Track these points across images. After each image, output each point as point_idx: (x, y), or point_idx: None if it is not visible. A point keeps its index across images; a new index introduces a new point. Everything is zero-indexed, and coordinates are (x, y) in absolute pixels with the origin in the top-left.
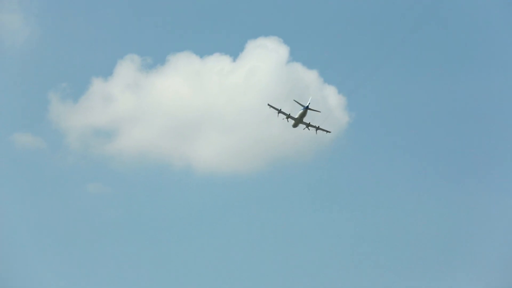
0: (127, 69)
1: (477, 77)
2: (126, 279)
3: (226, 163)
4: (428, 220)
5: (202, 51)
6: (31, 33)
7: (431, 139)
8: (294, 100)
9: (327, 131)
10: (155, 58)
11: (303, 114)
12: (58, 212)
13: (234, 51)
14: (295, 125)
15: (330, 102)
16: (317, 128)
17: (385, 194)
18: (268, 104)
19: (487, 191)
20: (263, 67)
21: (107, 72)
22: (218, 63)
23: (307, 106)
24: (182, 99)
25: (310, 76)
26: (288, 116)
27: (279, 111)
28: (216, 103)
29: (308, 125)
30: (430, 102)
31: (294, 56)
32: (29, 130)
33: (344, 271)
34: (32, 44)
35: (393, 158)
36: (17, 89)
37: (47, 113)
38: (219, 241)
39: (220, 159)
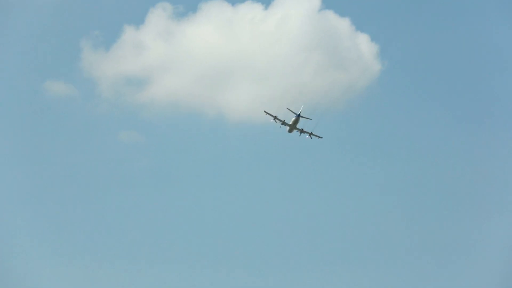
0: (158, 17)
1: None
2: (157, 226)
3: (258, 112)
4: (462, 169)
5: None
6: None
7: (464, 87)
8: (287, 108)
9: (319, 137)
10: (186, 6)
11: (295, 121)
12: (90, 160)
13: None
14: (290, 131)
15: (362, 50)
16: (310, 134)
17: (417, 143)
18: (264, 111)
19: None
20: (295, 15)
21: (139, 20)
22: (250, 11)
23: (299, 114)
24: (214, 47)
25: (342, 24)
26: (283, 123)
27: (275, 118)
28: (248, 51)
29: (301, 131)
30: (463, 50)
31: (326, 4)
32: (61, 78)
33: (375, 221)
34: None
35: (424, 106)
36: (50, 37)
37: (79, 61)
38: (251, 189)
39: (252, 107)
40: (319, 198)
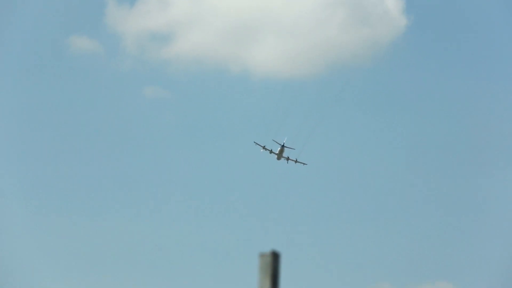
0: None
1: None
2: (182, 182)
3: (283, 67)
4: (486, 124)
5: None
6: None
7: (491, 43)
8: (272, 139)
9: (303, 164)
10: None
11: (281, 151)
12: (115, 116)
13: None
14: (278, 158)
15: (388, 5)
16: (296, 161)
17: (442, 98)
18: (254, 142)
19: None
20: None
21: None
22: None
23: (283, 144)
24: (239, 1)
25: None
26: (271, 152)
27: (263, 148)
28: (274, 5)
29: (287, 159)
30: (486, 6)
31: None
32: (85, 33)
33: (402, 177)
34: None
35: (451, 61)
36: None
37: (103, 17)
38: (275, 145)
39: (277, 63)
40: (346, 155)
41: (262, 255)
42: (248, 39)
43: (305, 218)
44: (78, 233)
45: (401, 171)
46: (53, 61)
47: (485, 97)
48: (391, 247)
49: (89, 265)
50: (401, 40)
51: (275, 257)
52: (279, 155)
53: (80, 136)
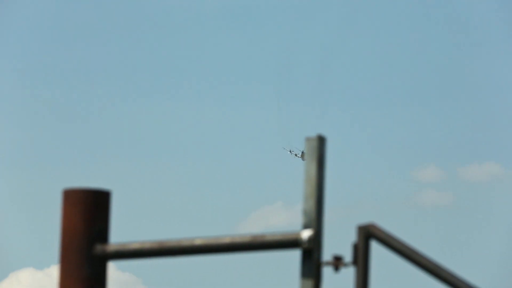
0: None
1: None
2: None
3: None
4: None
5: None
6: None
7: None
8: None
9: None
10: None
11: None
12: None
13: None
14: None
15: None
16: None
17: None
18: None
19: None
20: None
21: None
22: None
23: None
24: None
25: None
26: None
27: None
28: None
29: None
30: None
31: None
32: None
33: (449, 53)
34: None
35: None
36: None
37: None
38: None
39: None
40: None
41: (308, 139)
42: None
43: (350, 101)
44: None
45: (448, 47)
46: None
47: None
48: (437, 128)
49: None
50: None
51: (321, 141)
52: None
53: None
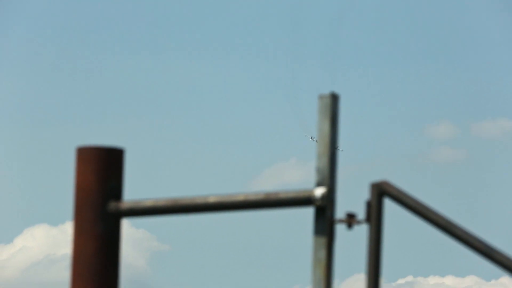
0: None
1: None
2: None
3: None
4: None
5: None
6: None
7: None
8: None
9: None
10: None
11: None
12: None
13: None
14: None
15: None
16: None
17: None
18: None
19: None
20: None
21: None
22: None
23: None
24: None
25: None
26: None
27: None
28: None
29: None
30: None
31: None
32: None
33: (460, 13)
34: None
35: None
36: None
37: None
38: None
39: None
40: None
41: (321, 97)
42: None
43: (363, 58)
44: None
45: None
46: None
47: None
48: (451, 85)
49: None
50: None
51: (334, 98)
52: None
53: None
